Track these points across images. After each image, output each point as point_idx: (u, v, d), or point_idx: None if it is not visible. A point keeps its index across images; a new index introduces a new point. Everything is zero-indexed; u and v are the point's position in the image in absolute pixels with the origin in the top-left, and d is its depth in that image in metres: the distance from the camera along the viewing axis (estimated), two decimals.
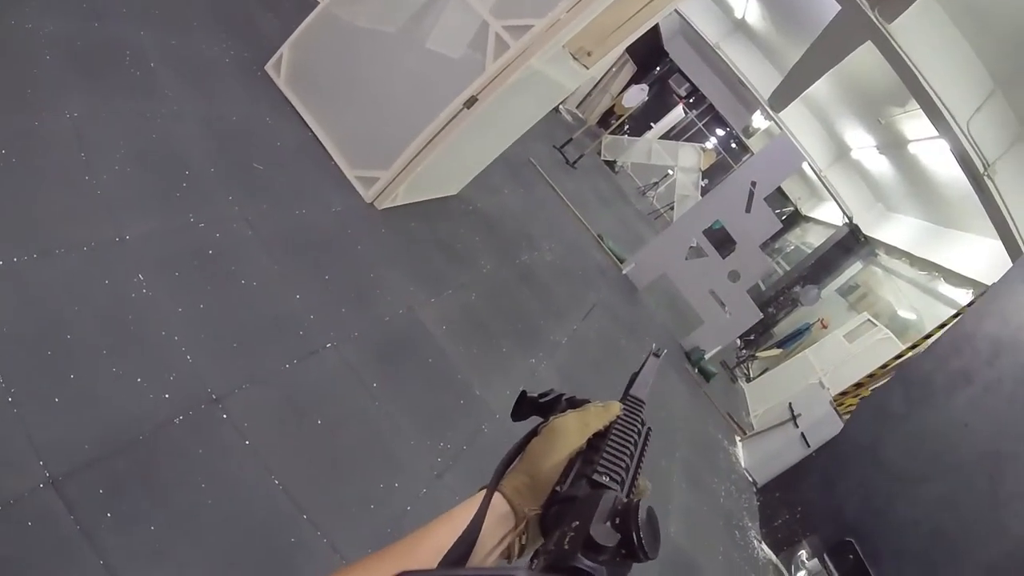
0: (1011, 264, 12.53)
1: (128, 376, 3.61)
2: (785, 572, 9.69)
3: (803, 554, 9.52)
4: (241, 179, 5.73)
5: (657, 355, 1.85)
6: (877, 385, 12.20)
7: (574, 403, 1.59)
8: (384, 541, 3.55)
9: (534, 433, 1.49)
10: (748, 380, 19.39)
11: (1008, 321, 2.55)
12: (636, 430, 1.51)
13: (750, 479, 12.15)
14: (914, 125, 16.32)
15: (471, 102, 6.62)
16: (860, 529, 2.44)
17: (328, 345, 5.12)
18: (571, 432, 1.44)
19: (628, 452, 1.42)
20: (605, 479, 1.29)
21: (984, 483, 2.55)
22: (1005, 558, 2.54)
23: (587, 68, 7.63)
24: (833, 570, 2.35)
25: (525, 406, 1.62)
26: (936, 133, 13.46)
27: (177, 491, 3.49)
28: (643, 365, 1.81)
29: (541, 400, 1.62)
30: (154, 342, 3.93)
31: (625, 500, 1.10)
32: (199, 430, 3.78)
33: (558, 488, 1.35)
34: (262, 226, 5.48)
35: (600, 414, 1.50)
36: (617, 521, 1.05)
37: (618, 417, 1.52)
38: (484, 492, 1.35)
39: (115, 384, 3.54)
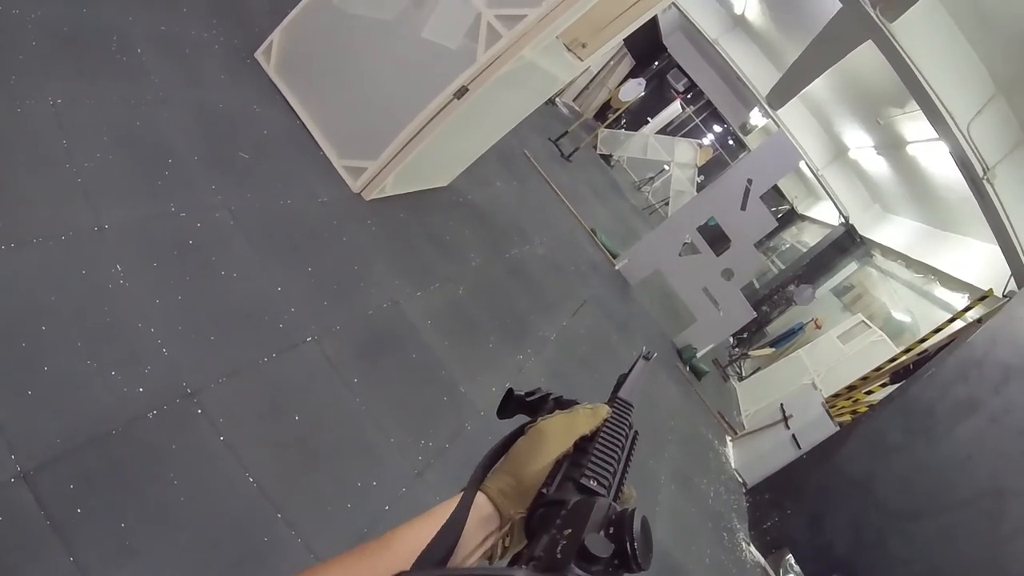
0: (1008, 270, 12.52)
1: (102, 369, 3.54)
2: (773, 575, 9.66)
3: (791, 557, 9.48)
4: (225, 168, 5.64)
5: (647, 358, 1.80)
6: (870, 389, 12.18)
7: (562, 403, 1.56)
8: (360, 541, 3.47)
9: (519, 432, 1.46)
10: (740, 379, 19.40)
11: (1020, 347, 2.42)
12: (624, 434, 1.48)
13: (740, 480, 12.11)
14: (913, 127, 16.28)
15: (461, 92, 6.51)
16: (850, 566, 2.33)
17: (308, 339, 5.05)
18: (559, 434, 1.41)
19: (616, 456, 1.38)
20: (593, 483, 1.27)
21: (984, 521, 2.44)
22: None
23: (581, 60, 7.53)
24: None
25: (512, 404, 1.58)
26: (936, 135, 13.42)
27: (149, 487, 3.41)
28: (632, 367, 1.76)
29: (528, 399, 1.58)
30: (130, 334, 3.85)
31: (619, 509, 1.06)
32: (173, 425, 3.70)
33: (544, 491, 1.32)
34: (245, 216, 5.39)
35: (588, 417, 1.46)
36: (611, 531, 1.02)
37: (606, 420, 1.47)
38: (465, 492, 1.31)
39: (89, 377, 3.46)
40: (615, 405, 1.57)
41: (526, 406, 1.58)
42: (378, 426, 5.06)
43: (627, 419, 1.53)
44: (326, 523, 4.19)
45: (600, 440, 1.42)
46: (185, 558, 3.36)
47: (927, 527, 2.47)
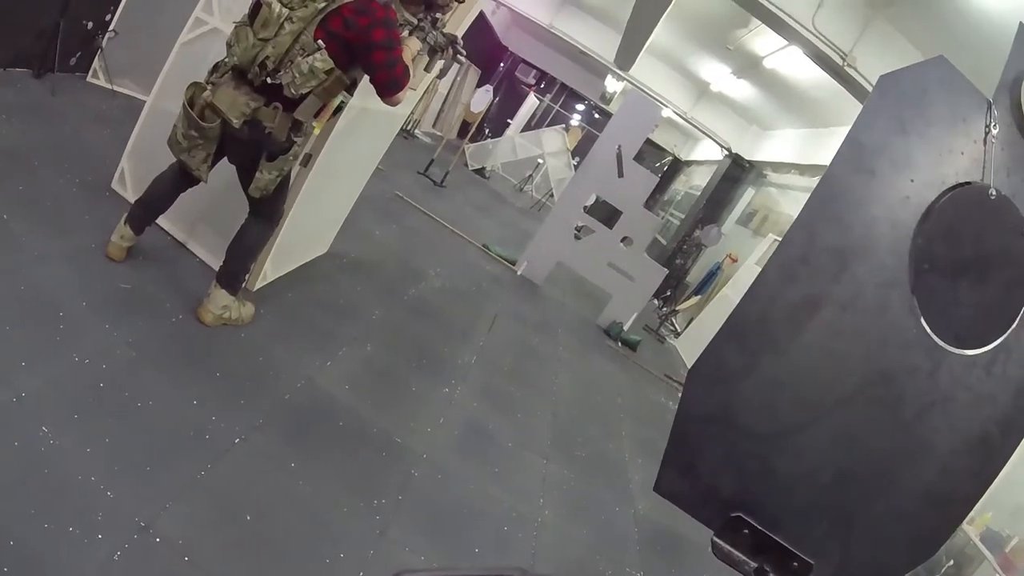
0: None
1: (60, 528, 3.61)
2: None
3: None
4: (113, 303, 5.73)
5: None
6: None
7: None
8: None
9: None
10: (677, 336, 19.66)
11: (849, 225, 2.44)
12: None
13: None
14: (762, 41, 16.69)
15: (306, 160, 6.67)
16: (745, 501, 2.36)
17: (237, 440, 5.12)
18: None
19: None
20: None
21: (879, 409, 2.51)
22: (940, 476, 2.50)
23: (414, 89, 7.62)
24: (732, 551, 2.26)
25: None
26: (785, 42, 13.74)
27: None
28: None
29: None
30: (74, 488, 3.93)
31: None
32: (139, 560, 3.78)
33: None
34: (144, 344, 5.47)
35: None
36: None
37: None
38: None
39: (51, 540, 3.53)
40: None
41: None
42: (328, 502, 5.15)
43: None
44: None
45: None
46: None
47: (816, 436, 2.50)
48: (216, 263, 6.50)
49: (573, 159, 30.37)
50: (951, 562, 8.20)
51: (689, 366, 11.38)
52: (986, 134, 2.18)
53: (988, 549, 7.96)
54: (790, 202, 21.06)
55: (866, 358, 2.44)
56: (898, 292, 2.32)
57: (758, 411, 2.42)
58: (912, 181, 2.23)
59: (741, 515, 2.41)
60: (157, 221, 6.56)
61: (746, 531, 2.39)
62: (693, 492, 2.48)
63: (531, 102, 35.00)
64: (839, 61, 12.28)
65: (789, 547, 2.36)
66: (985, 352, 2.32)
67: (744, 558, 2.41)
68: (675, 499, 2.47)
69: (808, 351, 2.39)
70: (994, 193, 2.18)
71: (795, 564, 2.35)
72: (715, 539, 2.43)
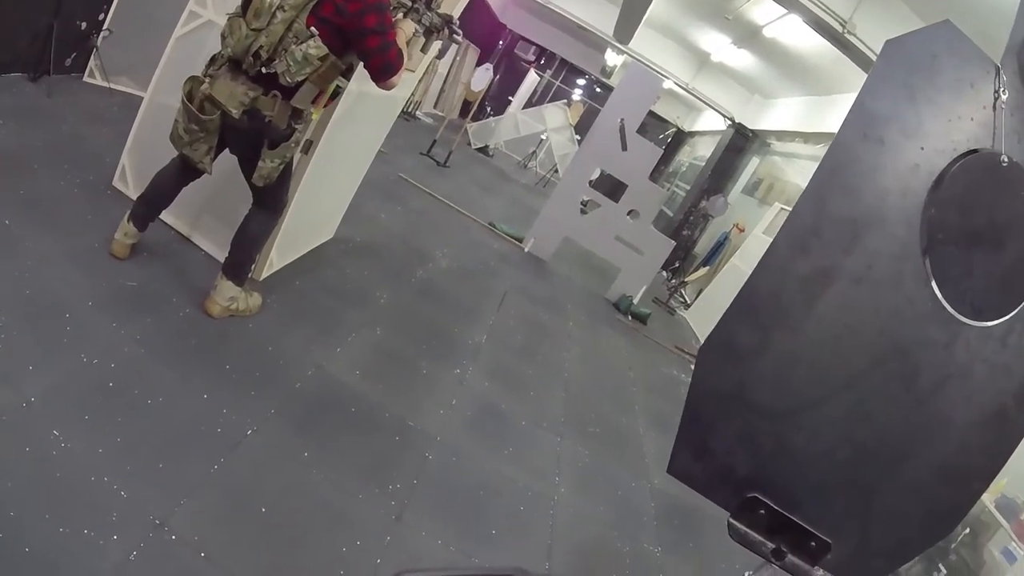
0: None
1: (75, 531, 3.59)
2: None
3: None
4: (119, 301, 5.70)
5: None
6: None
7: None
8: None
9: None
10: (687, 307, 19.67)
11: (859, 195, 2.35)
12: None
13: None
14: (761, 10, 16.56)
15: (307, 147, 6.65)
16: (761, 481, 2.28)
17: (249, 432, 5.11)
18: None
19: None
20: None
21: (896, 383, 2.44)
22: (957, 451, 2.44)
23: (412, 71, 7.52)
24: (748, 532, 2.19)
25: None
26: (785, 10, 13.65)
27: None
28: None
29: None
30: (87, 490, 3.91)
31: None
32: (155, 558, 3.77)
33: None
34: (152, 341, 5.46)
35: None
36: None
37: None
38: None
39: (67, 543, 3.51)
40: None
41: None
42: (342, 489, 5.13)
43: None
44: None
45: None
46: None
47: (831, 412, 2.43)
48: (221, 255, 6.44)
49: (576, 134, 30.24)
50: (967, 530, 8.19)
51: (700, 337, 11.37)
52: (995, 99, 2.13)
53: (1003, 516, 7.94)
54: (795, 170, 20.96)
55: (880, 332, 2.38)
56: (911, 263, 2.25)
57: (772, 388, 2.36)
58: (922, 149, 2.17)
59: (757, 495, 2.35)
60: (160, 216, 6.51)
61: (762, 511, 2.33)
62: (708, 472, 2.42)
63: (532, 79, 35.03)
64: (839, 28, 12.20)
65: (807, 526, 2.31)
66: (1001, 323, 2.26)
67: (761, 539, 2.36)
68: (689, 480, 2.41)
69: (822, 325, 2.33)
70: (1006, 160, 2.13)
71: (813, 544, 2.30)
72: (731, 520, 2.37)
